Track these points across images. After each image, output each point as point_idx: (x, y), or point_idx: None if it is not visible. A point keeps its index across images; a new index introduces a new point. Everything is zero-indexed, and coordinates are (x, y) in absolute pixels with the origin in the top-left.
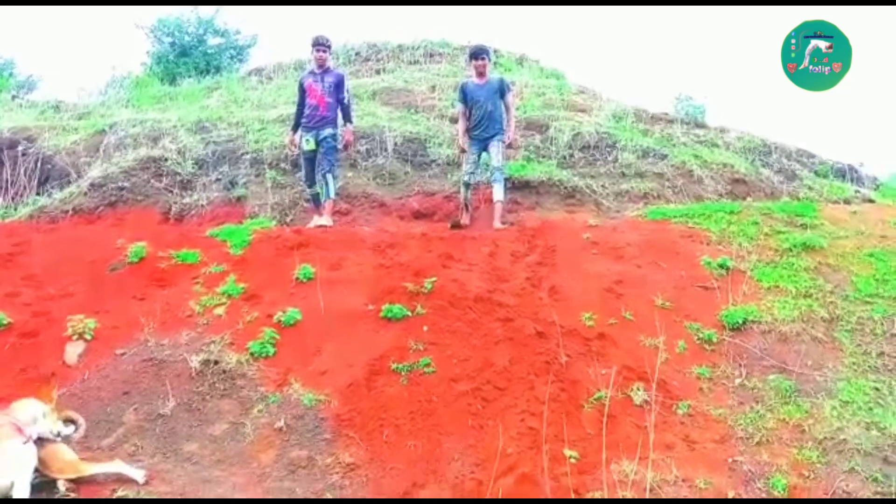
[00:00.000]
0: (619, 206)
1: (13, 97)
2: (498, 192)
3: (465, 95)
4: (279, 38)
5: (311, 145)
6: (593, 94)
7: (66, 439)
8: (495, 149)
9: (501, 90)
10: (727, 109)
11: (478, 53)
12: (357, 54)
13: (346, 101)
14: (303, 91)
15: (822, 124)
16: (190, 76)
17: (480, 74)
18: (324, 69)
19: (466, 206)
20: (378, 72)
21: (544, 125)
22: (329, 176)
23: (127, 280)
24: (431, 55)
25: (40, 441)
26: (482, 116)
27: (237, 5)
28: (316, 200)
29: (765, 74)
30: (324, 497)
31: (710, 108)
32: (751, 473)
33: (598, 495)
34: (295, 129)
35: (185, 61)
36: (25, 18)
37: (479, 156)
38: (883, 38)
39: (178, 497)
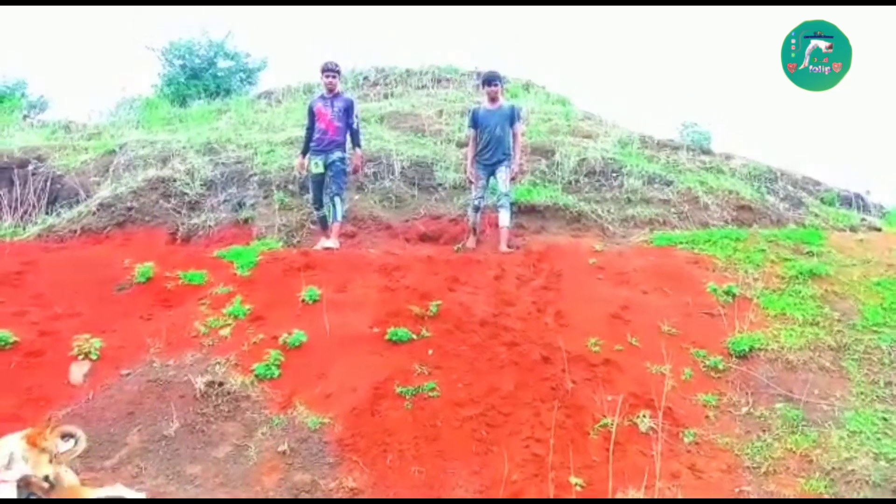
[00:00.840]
0: (625, 232)
1: (24, 117)
2: (504, 218)
3: (476, 121)
4: (289, 62)
5: (320, 168)
6: (599, 120)
7: (67, 454)
8: (503, 175)
9: (512, 118)
10: (733, 136)
11: (491, 80)
12: (365, 79)
13: (355, 126)
14: (312, 115)
15: (828, 150)
16: (200, 98)
17: (493, 100)
18: (333, 94)
19: (474, 229)
20: (386, 96)
21: (550, 150)
22: (337, 199)
23: (134, 300)
24: (439, 80)
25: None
26: (490, 141)
27: (240, 6)
28: (323, 223)
29: (772, 100)
30: None
31: (715, 135)
32: None
33: None
34: (304, 152)
35: (195, 84)
36: (38, 39)
37: (488, 180)
38: (883, 37)
39: None
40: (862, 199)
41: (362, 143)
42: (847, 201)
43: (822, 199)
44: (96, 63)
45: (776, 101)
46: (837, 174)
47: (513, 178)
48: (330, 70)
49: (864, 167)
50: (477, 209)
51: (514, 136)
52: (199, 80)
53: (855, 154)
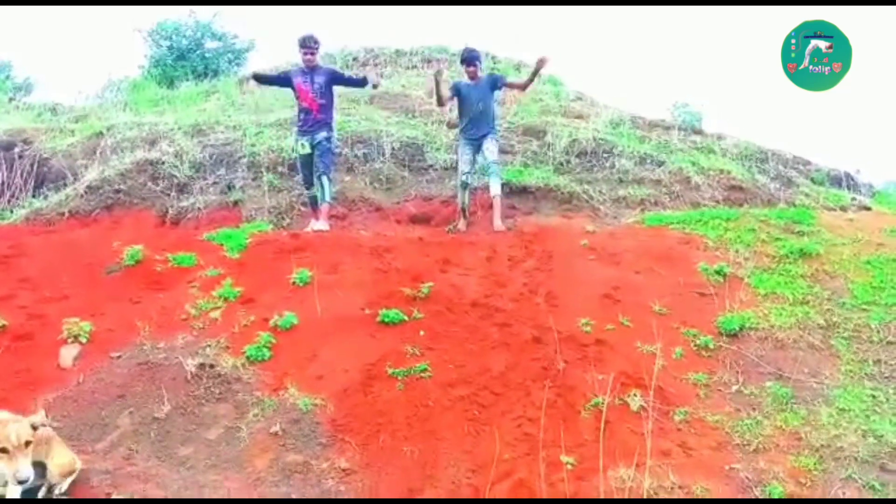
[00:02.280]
0: (617, 213)
1: (10, 99)
2: (495, 186)
3: (459, 92)
4: (277, 43)
5: (307, 149)
6: (590, 101)
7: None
8: (490, 144)
9: (493, 84)
10: (724, 116)
11: (468, 60)
12: (355, 59)
13: (349, 76)
14: (288, 84)
15: (818, 130)
16: (187, 80)
17: (471, 77)
18: (312, 68)
19: (464, 211)
20: None
21: (542, 131)
22: (325, 178)
23: (123, 283)
24: (429, 61)
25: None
26: (473, 116)
27: (237, 5)
28: (314, 203)
29: (761, 79)
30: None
31: (706, 115)
32: (748, 480)
33: None
34: (257, 78)
35: (182, 65)
36: (23, 20)
37: (474, 157)
38: (883, 38)
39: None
40: (852, 179)
41: (359, 79)
42: (837, 181)
43: (812, 179)
44: (83, 45)
45: (767, 82)
46: (827, 154)
47: (541, 60)
48: (308, 47)
49: (854, 146)
50: (465, 186)
51: (511, 85)
52: (186, 61)
53: (845, 134)
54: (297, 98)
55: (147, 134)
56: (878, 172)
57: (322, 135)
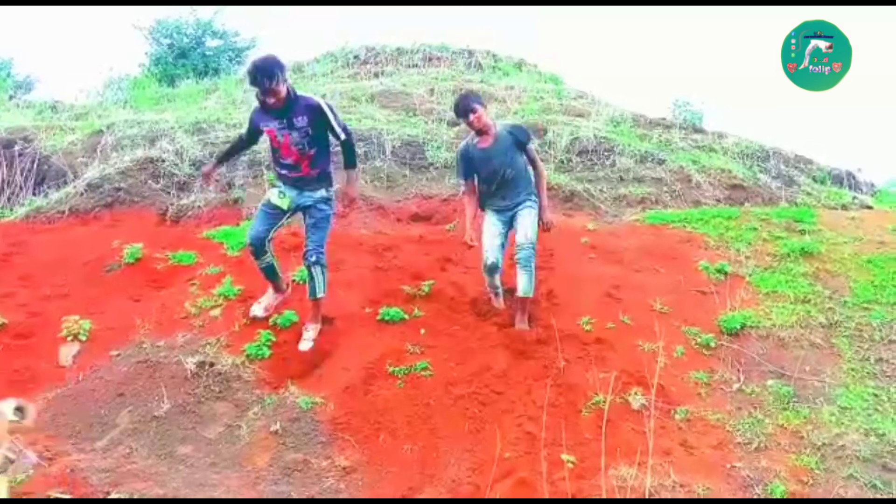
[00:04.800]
0: (617, 211)
1: (10, 97)
2: (524, 283)
3: (470, 165)
4: (277, 41)
5: (286, 205)
6: (591, 99)
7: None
8: (527, 218)
9: (517, 141)
10: (725, 115)
11: (467, 110)
12: (356, 57)
13: (340, 133)
14: (255, 131)
15: (819, 129)
16: (188, 78)
17: (480, 133)
18: (284, 105)
19: (496, 292)
20: (376, 75)
21: (542, 129)
22: (318, 268)
23: (123, 281)
24: (430, 59)
25: None
26: (501, 186)
27: (237, 5)
28: (272, 276)
29: (761, 79)
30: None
31: (707, 114)
32: (749, 479)
33: None
34: (220, 161)
35: (183, 63)
36: (24, 18)
37: (506, 231)
38: (883, 38)
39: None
40: (853, 178)
41: (357, 153)
42: (839, 179)
43: (813, 178)
44: (83, 43)
45: (767, 82)
46: (829, 153)
47: (547, 228)
48: (263, 86)
49: (856, 145)
50: (493, 271)
51: (533, 163)
52: (186, 59)
53: (846, 133)
54: (277, 149)
55: (147, 132)
56: (880, 171)
57: (318, 195)
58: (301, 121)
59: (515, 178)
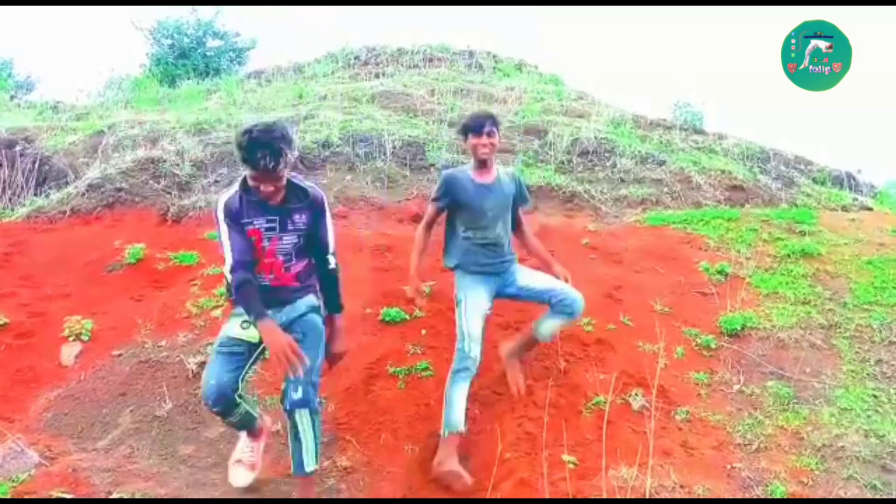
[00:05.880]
0: (618, 212)
1: (11, 97)
2: (555, 329)
3: (457, 195)
4: (279, 41)
5: (251, 337)
6: (592, 100)
7: None
8: (546, 275)
9: (519, 193)
10: (725, 116)
11: (479, 125)
12: (356, 58)
13: (330, 263)
14: (237, 230)
15: (819, 130)
16: (189, 78)
17: (483, 164)
18: (281, 198)
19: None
20: (377, 75)
21: (543, 130)
22: (303, 416)
23: (124, 281)
24: (430, 59)
25: None
26: (487, 236)
27: (238, 5)
28: (248, 424)
29: (762, 77)
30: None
31: (708, 115)
32: (749, 480)
33: None
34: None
35: (184, 63)
36: (25, 19)
37: (492, 304)
38: (883, 38)
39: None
40: (853, 179)
41: (341, 293)
42: (839, 181)
43: (813, 179)
44: (84, 43)
45: (767, 82)
46: (829, 154)
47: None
48: (265, 170)
49: (856, 147)
50: (466, 374)
51: (519, 222)
52: (187, 59)
53: (846, 134)
54: (257, 255)
55: (148, 132)
56: (880, 172)
57: (305, 303)
58: (300, 219)
59: (506, 232)
